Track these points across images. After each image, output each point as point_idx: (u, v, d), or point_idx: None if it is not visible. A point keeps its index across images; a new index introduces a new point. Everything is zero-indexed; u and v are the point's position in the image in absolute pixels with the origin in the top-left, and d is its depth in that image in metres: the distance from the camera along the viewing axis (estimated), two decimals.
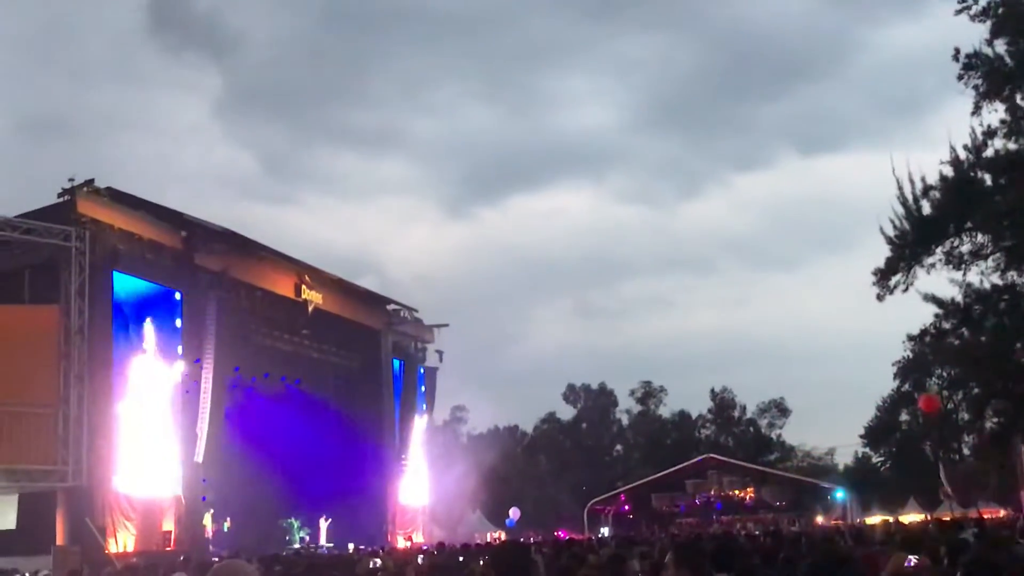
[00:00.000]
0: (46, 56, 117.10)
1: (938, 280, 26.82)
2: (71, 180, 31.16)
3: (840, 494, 61.14)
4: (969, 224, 26.11)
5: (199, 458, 34.14)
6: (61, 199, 31.08)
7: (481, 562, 10.58)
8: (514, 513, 56.95)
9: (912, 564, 6.85)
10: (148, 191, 35.28)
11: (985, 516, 38.07)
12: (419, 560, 13.37)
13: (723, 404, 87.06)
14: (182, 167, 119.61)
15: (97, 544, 28.82)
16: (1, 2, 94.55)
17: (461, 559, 13.49)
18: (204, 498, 35.59)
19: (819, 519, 58.19)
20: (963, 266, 26.25)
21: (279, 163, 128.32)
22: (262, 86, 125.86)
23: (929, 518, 46.38)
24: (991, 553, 6.87)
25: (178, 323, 34.23)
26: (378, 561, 12.38)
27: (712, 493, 63.34)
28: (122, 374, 31.43)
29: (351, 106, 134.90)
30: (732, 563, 7.25)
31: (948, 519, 36.72)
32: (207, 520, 35.99)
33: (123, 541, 30.35)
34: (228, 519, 38.85)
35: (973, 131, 26.04)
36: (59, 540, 28.98)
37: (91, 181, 31.94)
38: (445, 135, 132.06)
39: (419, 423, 49.88)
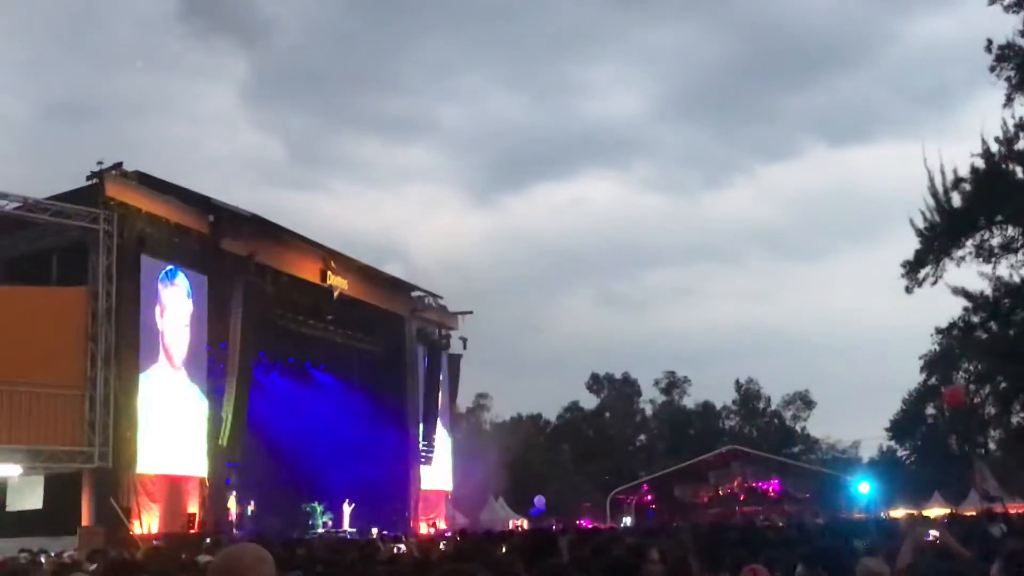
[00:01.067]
0: (76, 41, 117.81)
1: (967, 273, 26.62)
2: (100, 163, 31.29)
3: (865, 487, 60.81)
4: (1000, 217, 25.88)
5: (224, 441, 34.28)
6: (90, 182, 31.19)
7: (504, 549, 10.55)
8: (539, 501, 56.97)
9: (931, 538, 6.80)
10: (176, 176, 35.43)
11: (1009, 510, 37.89)
12: (442, 546, 13.37)
13: (747, 395, 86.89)
14: (210, 152, 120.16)
15: (122, 525, 29.03)
16: None
17: (484, 546, 13.50)
18: (228, 481, 35.75)
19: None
20: (993, 259, 26.04)
21: (306, 149, 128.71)
22: (289, 72, 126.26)
23: (955, 512, 46.18)
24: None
25: (205, 307, 34.38)
26: (402, 547, 12.37)
27: (735, 484, 63.17)
28: (149, 357, 31.62)
29: (377, 92, 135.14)
30: (756, 554, 7.20)
31: (974, 513, 36.55)
32: (231, 503, 36.15)
33: (147, 523, 30.56)
34: (252, 502, 39.00)
35: (1005, 123, 25.82)
36: (84, 521, 29.22)
37: (119, 164, 32.06)
38: (471, 122, 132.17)
39: (442, 410, 49.94)
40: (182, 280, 33.38)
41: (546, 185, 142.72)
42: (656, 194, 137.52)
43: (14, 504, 30.95)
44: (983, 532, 12.75)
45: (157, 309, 32.15)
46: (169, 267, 32.98)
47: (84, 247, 30.51)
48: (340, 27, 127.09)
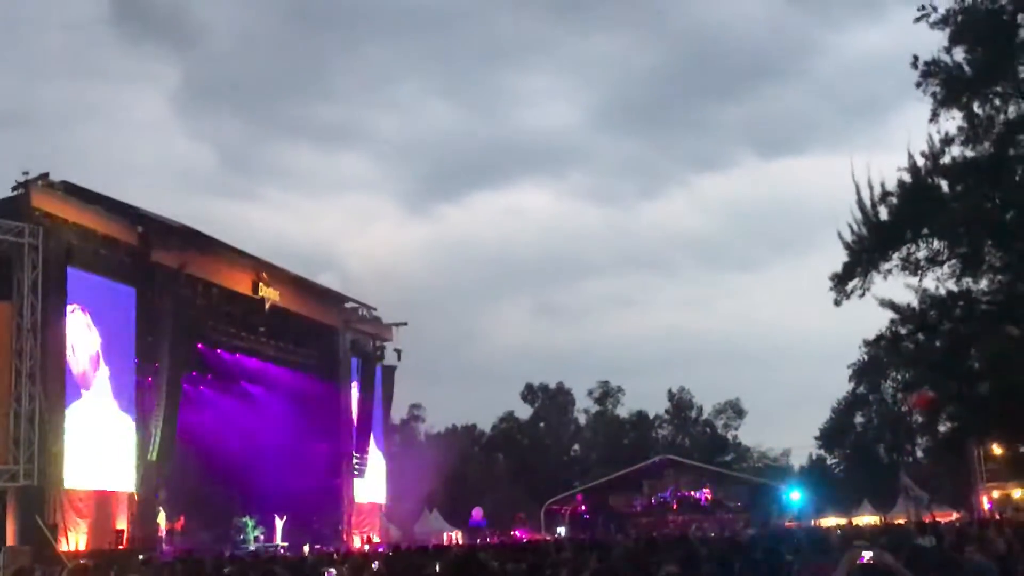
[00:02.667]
0: (2, 49, 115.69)
1: (895, 285, 26.99)
2: (26, 174, 30.71)
3: (796, 495, 61.51)
4: (926, 230, 26.29)
5: (153, 456, 33.78)
6: (15, 193, 30.63)
7: (438, 567, 10.48)
8: (476, 514, 56.88)
9: (866, 560, 6.80)
10: (105, 185, 34.89)
11: (938, 519, 38.50)
12: (374, 566, 13.25)
13: (680, 404, 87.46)
14: (139, 161, 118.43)
15: (48, 543, 28.46)
16: None
17: (417, 565, 13.42)
18: (157, 496, 35.24)
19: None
20: (919, 272, 26.42)
21: (238, 158, 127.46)
22: (222, 79, 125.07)
23: (883, 520, 46.84)
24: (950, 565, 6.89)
25: (133, 319, 33.88)
26: (332, 571, 12.22)
27: (668, 493, 63.55)
28: (75, 371, 31.09)
29: (312, 101, 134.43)
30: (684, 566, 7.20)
31: (903, 522, 37.08)
32: (161, 518, 35.64)
33: (75, 540, 30.02)
34: (182, 517, 38.48)
35: (931, 138, 26.24)
36: (9, 540, 28.58)
37: (46, 175, 31.48)
38: (406, 132, 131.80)
39: (376, 422, 49.67)
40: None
41: (482, 194, 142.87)
42: (592, 204, 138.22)
43: None
44: (913, 544, 12.89)
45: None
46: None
47: (9, 260, 29.92)
48: (274, 35, 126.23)
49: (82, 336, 31.90)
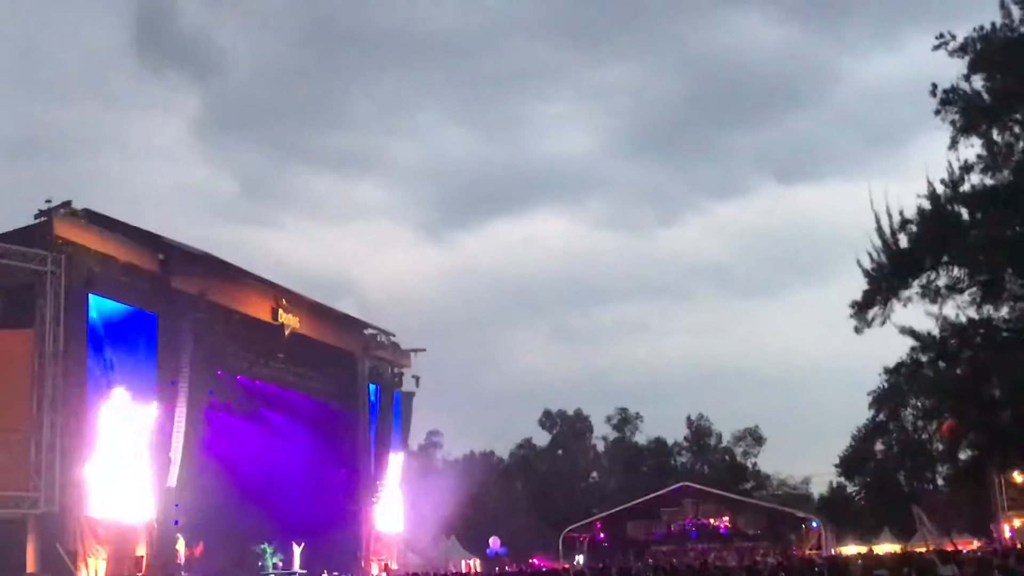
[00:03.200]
0: (24, 76, 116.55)
1: (915, 313, 26.89)
2: (48, 202, 31.09)
3: (815, 523, 61.16)
4: (946, 258, 26.19)
5: (172, 482, 33.89)
6: (38, 221, 30.91)
7: None
8: (494, 543, 56.76)
9: None
10: (126, 212, 35.20)
11: (959, 547, 38.24)
12: None
13: (699, 431, 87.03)
14: (161, 188, 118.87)
15: (68, 570, 28.55)
16: None
17: None
18: (176, 522, 35.33)
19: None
20: (939, 300, 26.27)
21: (258, 185, 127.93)
22: (242, 107, 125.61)
23: (904, 548, 46.53)
24: None
25: (154, 346, 34.04)
26: None
27: (687, 521, 63.25)
28: (96, 398, 31.23)
29: (330, 128, 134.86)
30: None
31: (923, 550, 36.83)
32: (180, 545, 35.69)
33: (94, 567, 30.11)
34: (201, 544, 38.52)
35: (950, 165, 26.14)
36: (30, 567, 28.76)
37: (68, 203, 31.84)
38: (423, 158, 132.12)
39: (394, 448, 49.66)
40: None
41: (499, 222, 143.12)
42: (609, 231, 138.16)
43: None
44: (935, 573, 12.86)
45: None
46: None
47: (32, 288, 30.16)
48: (293, 62, 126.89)
49: (103, 364, 32.07)
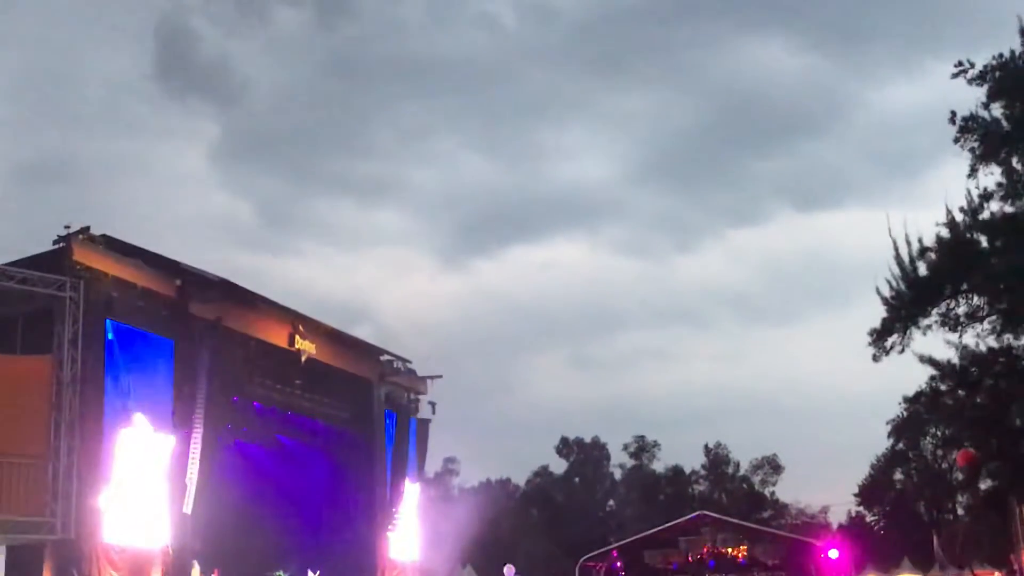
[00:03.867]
0: (43, 102, 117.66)
1: (934, 341, 26.74)
2: (67, 227, 31.15)
3: (834, 553, 60.66)
4: (965, 286, 26.06)
5: (188, 509, 33.81)
6: (56, 246, 31.04)
7: None
8: (508, 571, 56.46)
9: None
10: (144, 238, 35.27)
11: None
12: None
13: (716, 460, 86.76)
14: (179, 215, 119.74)
15: None
16: None
17: None
18: (192, 549, 35.21)
19: None
20: (959, 328, 26.15)
21: (276, 211, 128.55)
22: (261, 134, 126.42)
23: None
24: None
25: (170, 371, 34.10)
26: None
27: (705, 551, 62.83)
28: (113, 424, 31.28)
29: (349, 155, 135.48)
30: None
31: None
32: (195, 572, 35.59)
33: None
34: (216, 571, 38.42)
35: (969, 193, 26.05)
36: None
37: (87, 228, 31.91)
38: (442, 186, 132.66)
39: (410, 475, 49.53)
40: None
41: (517, 248, 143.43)
42: (627, 257, 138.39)
43: None
44: None
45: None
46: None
47: (51, 313, 30.27)
48: (312, 90, 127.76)
49: (121, 389, 32.15)
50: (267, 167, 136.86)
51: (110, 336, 31.65)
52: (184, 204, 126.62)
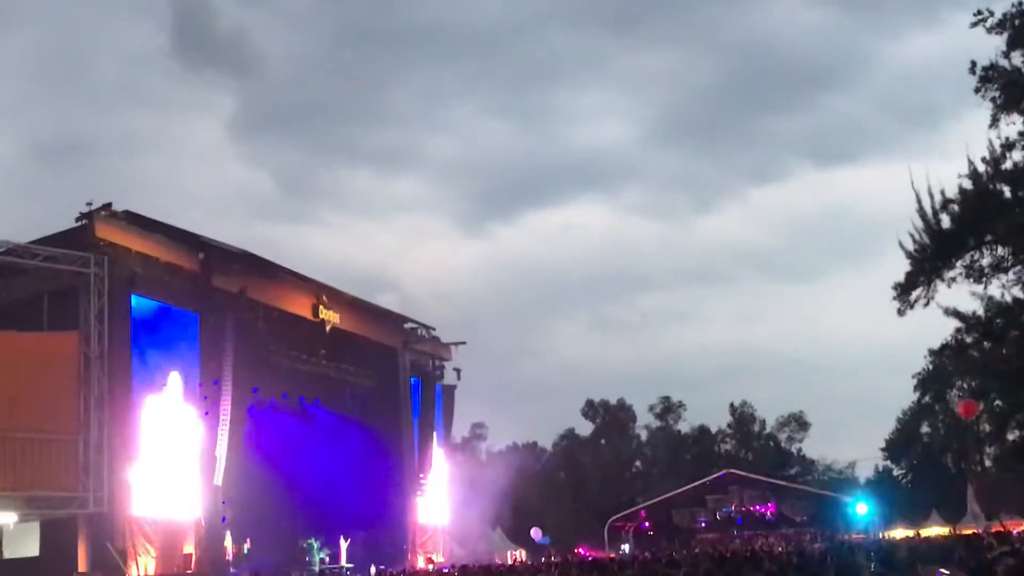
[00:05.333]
0: (63, 80, 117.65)
1: (959, 293, 26.62)
2: (89, 204, 31.27)
3: (862, 508, 60.71)
4: (989, 237, 25.91)
5: (219, 480, 34.14)
6: (79, 223, 31.18)
7: None
8: (536, 534, 56.83)
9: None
10: (165, 213, 35.37)
11: (1013, 530, 37.84)
12: None
13: (742, 418, 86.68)
14: (199, 188, 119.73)
15: (119, 569, 28.87)
16: (17, 27, 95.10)
17: None
18: (224, 519, 35.60)
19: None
20: (984, 279, 26.02)
21: (295, 182, 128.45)
22: (278, 105, 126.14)
23: (953, 531, 46.17)
24: None
25: (196, 344, 34.32)
26: None
27: (733, 508, 63.08)
28: (141, 397, 31.54)
29: (367, 124, 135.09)
30: None
31: (972, 533, 36.52)
32: (227, 542, 35.96)
33: (144, 565, 30.40)
34: (248, 541, 38.80)
35: (991, 143, 25.86)
36: (81, 567, 29.06)
37: (109, 205, 32.05)
38: (461, 152, 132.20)
39: (438, 441, 49.81)
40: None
41: (536, 212, 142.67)
42: (647, 219, 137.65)
43: (11, 551, 30.75)
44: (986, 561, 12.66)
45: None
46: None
47: (75, 290, 30.45)
48: (329, 59, 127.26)
49: (147, 363, 32.40)
50: (285, 138, 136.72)
51: (135, 311, 31.84)
52: (203, 177, 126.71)
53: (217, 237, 35.76)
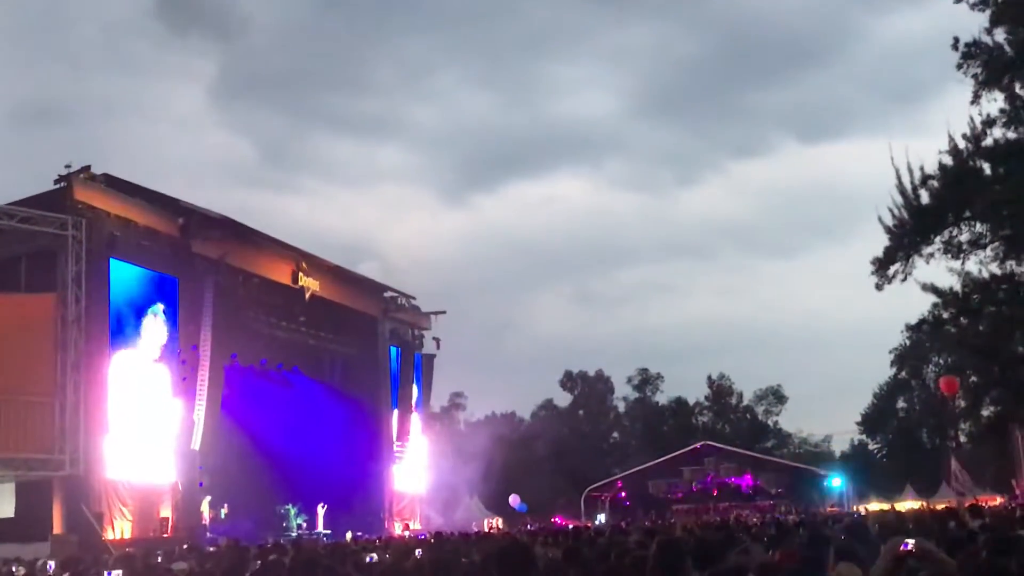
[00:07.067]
0: (43, 42, 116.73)
1: (937, 269, 26.76)
2: (67, 167, 31.06)
3: (837, 481, 61.23)
4: (968, 213, 26.02)
5: (196, 445, 34.14)
6: (58, 186, 30.97)
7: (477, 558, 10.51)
8: (514, 500, 57.06)
9: (908, 547, 6.72)
10: (145, 178, 35.25)
11: (983, 503, 38.20)
12: (417, 553, 13.34)
13: (720, 391, 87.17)
14: (179, 153, 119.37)
15: (94, 532, 28.83)
16: None
17: (460, 552, 13.50)
18: (201, 484, 35.60)
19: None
20: (962, 256, 26.16)
21: (277, 150, 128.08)
22: (260, 72, 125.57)
23: (927, 505, 46.53)
24: (1001, 556, 6.82)
25: (175, 309, 34.22)
26: (374, 556, 12.33)
27: (709, 480, 63.47)
28: (119, 361, 31.44)
29: (350, 92, 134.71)
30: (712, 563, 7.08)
31: (947, 507, 36.82)
32: (204, 506, 35.97)
33: (120, 528, 30.41)
34: (225, 505, 38.80)
35: (972, 120, 25.94)
36: (56, 528, 28.99)
37: (87, 168, 31.82)
38: (444, 122, 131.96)
39: (416, 410, 49.89)
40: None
41: (519, 184, 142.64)
42: (629, 192, 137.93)
43: None
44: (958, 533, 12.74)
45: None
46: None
47: (53, 252, 30.26)
48: (312, 26, 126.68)
49: (125, 327, 32.29)
50: (267, 105, 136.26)
51: (113, 275, 31.68)
52: (184, 143, 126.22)
53: (198, 203, 35.62)
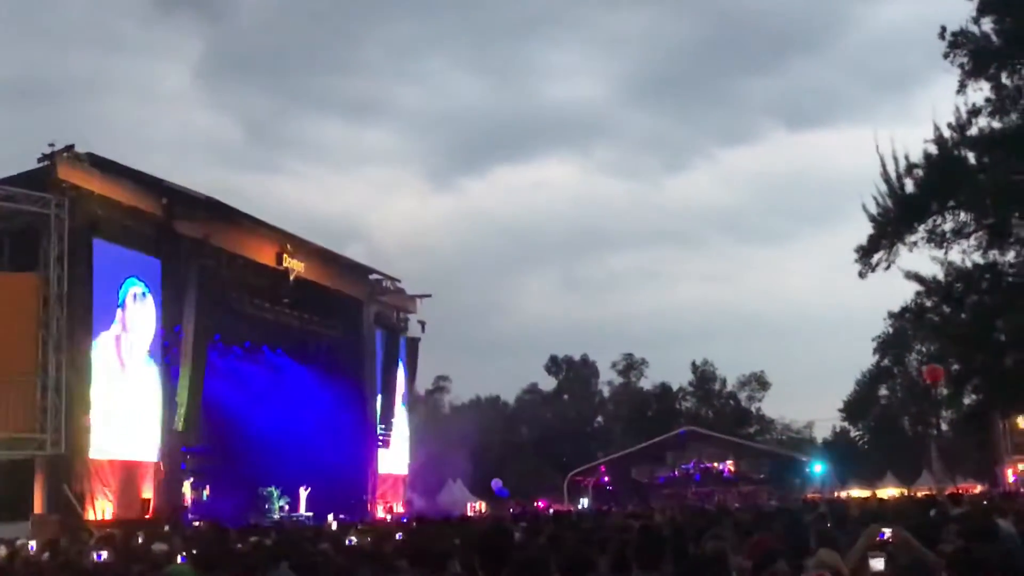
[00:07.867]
0: (26, 19, 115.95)
1: (920, 258, 26.88)
2: (51, 145, 30.75)
3: (819, 467, 61.50)
4: (952, 202, 26.14)
5: (179, 426, 34.03)
6: (41, 164, 30.75)
7: (458, 541, 10.52)
8: (496, 484, 57.15)
9: (886, 536, 6.78)
10: (129, 157, 35.03)
11: (963, 491, 38.42)
12: (398, 536, 13.34)
13: (704, 377, 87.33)
14: (164, 133, 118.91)
15: (75, 512, 28.77)
16: None
17: (441, 535, 13.52)
18: (184, 466, 35.52)
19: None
20: (945, 244, 26.33)
21: (263, 130, 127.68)
22: (247, 51, 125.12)
23: (908, 492, 46.81)
24: (978, 542, 6.86)
25: (158, 290, 34.08)
26: (354, 539, 12.33)
27: (692, 465, 63.66)
28: (101, 341, 31.32)
29: (337, 73, 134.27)
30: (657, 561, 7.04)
31: (927, 494, 37.03)
32: (186, 488, 35.95)
33: (101, 509, 30.31)
34: (207, 487, 38.79)
35: (958, 109, 26.04)
36: (37, 508, 28.92)
37: (71, 147, 31.55)
38: (432, 105, 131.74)
39: (401, 393, 49.85)
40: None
41: (507, 168, 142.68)
42: (616, 177, 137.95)
43: None
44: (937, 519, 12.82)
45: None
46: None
47: (36, 231, 30.08)
48: (300, 6, 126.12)
49: (108, 307, 32.17)
50: (253, 85, 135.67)
51: (96, 254, 31.49)
52: (169, 122, 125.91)
53: (182, 183, 35.42)
